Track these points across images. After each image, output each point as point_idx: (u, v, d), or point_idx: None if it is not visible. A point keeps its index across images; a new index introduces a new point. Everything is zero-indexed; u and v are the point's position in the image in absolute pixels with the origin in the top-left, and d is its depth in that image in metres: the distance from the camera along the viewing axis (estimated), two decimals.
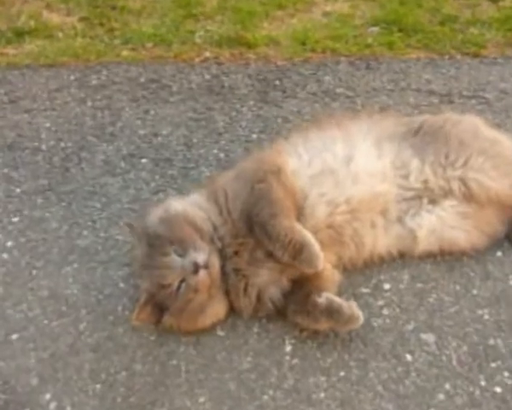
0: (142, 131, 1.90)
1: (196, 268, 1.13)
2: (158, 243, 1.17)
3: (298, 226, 1.18)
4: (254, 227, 1.19)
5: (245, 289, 1.20)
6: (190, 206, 1.25)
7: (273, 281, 1.21)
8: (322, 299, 1.17)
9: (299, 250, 1.15)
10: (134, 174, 1.72)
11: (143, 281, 1.20)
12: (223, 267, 1.20)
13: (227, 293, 1.22)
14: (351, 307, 1.16)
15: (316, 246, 1.16)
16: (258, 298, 1.22)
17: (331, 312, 1.15)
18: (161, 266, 1.15)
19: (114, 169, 1.75)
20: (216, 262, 1.17)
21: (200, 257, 1.14)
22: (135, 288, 1.30)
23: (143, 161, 1.78)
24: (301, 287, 1.21)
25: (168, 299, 1.15)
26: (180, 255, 1.16)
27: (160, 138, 1.86)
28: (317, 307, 1.16)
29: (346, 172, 1.28)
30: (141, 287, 1.22)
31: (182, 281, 1.15)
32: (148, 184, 1.68)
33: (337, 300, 1.17)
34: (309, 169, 1.29)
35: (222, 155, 1.77)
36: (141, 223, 1.26)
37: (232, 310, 1.25)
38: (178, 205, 1.26)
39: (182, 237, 1.16)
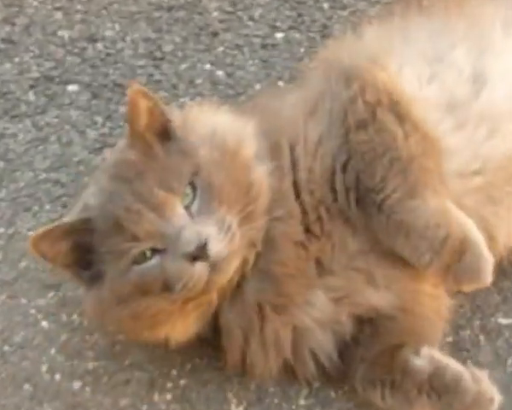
0: (64, 33, 1.89)
1: (200, 247, 1.08)
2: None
3: (453, 208, 1.17)
4: (371, 215, 1.17)
5: (262, 327, 1.20)
6: (253, 140, 1.21)
7: (323, 319, 1.21)
8: (422, 361, 1.16)
9: (459, 253, 1.13)
10: (56, 115, 1.72)
11: (83, 196, 1.20)
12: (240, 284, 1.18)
13: (215, 328, 1.21)
14: (478, 379, 1.13)
15: (482, 243, 1.14)
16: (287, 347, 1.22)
17: (440, 387, 1.14)
18: (144, 197, 1.10)
19: (17, 107, 1.75)
20: (236, 258, 1.13)
21: (222, 225, 1.10)
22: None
23: (71, 88, 1.78)
24: (376, 333, 1.22)
25: (115, 263, 1.12)
26: (190, 198, 1.12)
27: (100, 45, 1.85)
28: (411, 375, 1.15)
29: (478, 109, 1.26)
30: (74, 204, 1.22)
31: (157, 250, 1.10)
32: (84, 134, 1.68)
33: (451, 365, 1.15)
34: (424, 94, 1.27)
35: (220, 73, 1.76)
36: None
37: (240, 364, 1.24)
38: (233, 126, 1.22)
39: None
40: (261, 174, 1.18)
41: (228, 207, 1.11)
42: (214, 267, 1.10)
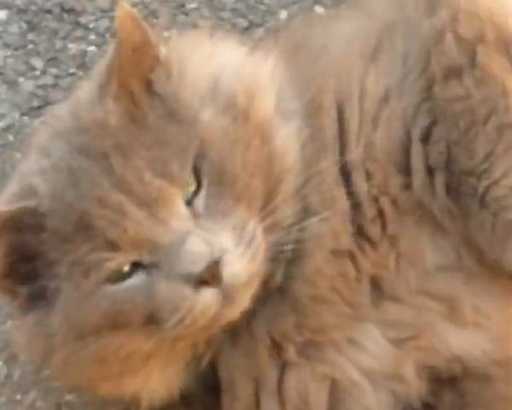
0: None
1: (212, 267, 1.06)
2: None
3: None
4: (469, 211, 1.17)
5: (280, 379, 1.19)
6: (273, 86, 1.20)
7: (378, 371, 1.20)
8: None
9: None
10: None
11: (19, 173, 1.18)
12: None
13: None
14: None
15: None
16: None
17: None
18: (129, 184, 1.07)
19: None
20: (256, 282, 1.11)
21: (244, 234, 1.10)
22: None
23: None
24: (462, 401, 1.21)
25: (76, 279, 1.08)
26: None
27: None
28: None
29: None
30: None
31: (140, 264, 1.08)
32: (14, 86, 1.72)
33: None
34: None
35: None
36: None
37: None
38: (242, 69, 1.21)
39: None
40: (286, 136, 1.18)
41: (248, 204, 1.11)
42: (227, 296, 1.08)
